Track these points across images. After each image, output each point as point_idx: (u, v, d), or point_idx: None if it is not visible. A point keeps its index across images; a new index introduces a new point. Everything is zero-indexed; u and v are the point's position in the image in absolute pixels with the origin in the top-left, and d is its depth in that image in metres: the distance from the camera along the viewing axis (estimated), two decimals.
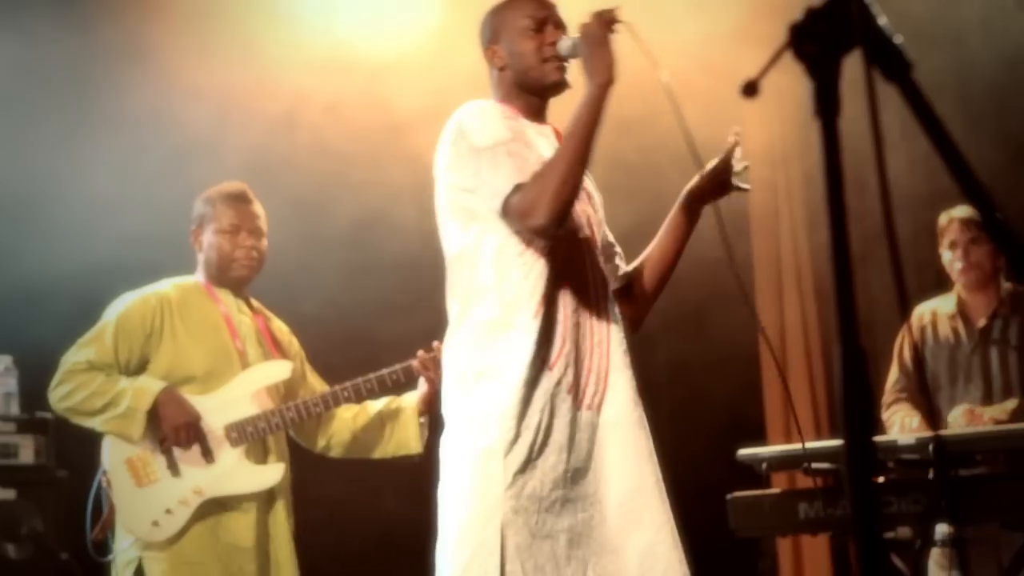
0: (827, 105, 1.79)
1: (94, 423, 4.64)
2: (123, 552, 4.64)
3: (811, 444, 4.89)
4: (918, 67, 1.84)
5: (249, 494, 4.69)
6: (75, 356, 4.64)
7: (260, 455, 4.75)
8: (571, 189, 3.40)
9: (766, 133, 6.71)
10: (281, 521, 4.74)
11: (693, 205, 3.67)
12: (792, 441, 6.39)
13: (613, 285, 3.67)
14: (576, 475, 3.47)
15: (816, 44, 1.77)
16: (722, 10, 5.64)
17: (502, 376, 3.42)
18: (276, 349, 4.88)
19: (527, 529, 3.38)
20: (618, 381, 3.53)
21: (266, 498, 4.73)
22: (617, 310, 3.61)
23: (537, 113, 3.63)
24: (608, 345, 3.53)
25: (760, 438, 6.52)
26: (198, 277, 4.88)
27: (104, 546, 4.71)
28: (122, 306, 4.72)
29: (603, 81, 3.39)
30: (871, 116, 1.79)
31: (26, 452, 5.75)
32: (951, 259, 5.38)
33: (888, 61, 1.81)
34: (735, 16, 5.54)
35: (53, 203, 6.03)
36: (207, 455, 4.66)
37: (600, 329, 3.52)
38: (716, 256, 6.28)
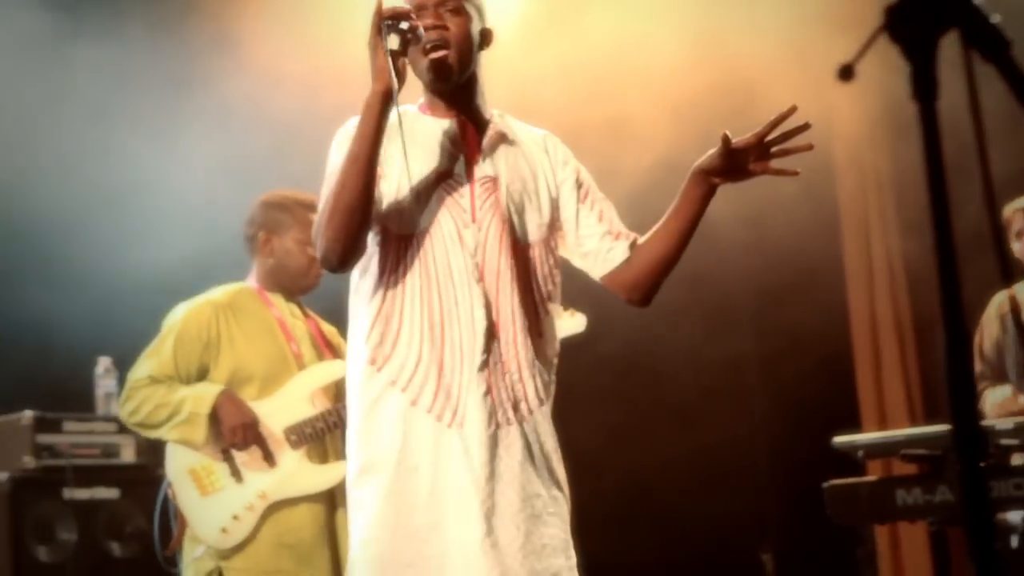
0: (925, 89, 1.75)
1: (160, 434, 4.68)
2: (197, 561, 4.66)
3: (908, 430, 4.83)
4: (1017, 46, 1.81)
5: (312, 495, 4.72)
6: (137, 372, 4.69)
7: (321, 455, 4.77)
8: (342, 220, 3.12)
9: (856, 119, 6.68)
10: (345, 520, 4.74)
11: (704, 181, 3.28)
12: (886, 428, 6.35)
13: (599, 271, 3.39)
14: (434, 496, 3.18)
15: (912, 26, 1.74)
16: None
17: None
18: (329, 350, 4.90)
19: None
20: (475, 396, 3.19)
21: (328, 497, 4.74)
22: (521, 316, 3.25)
23: (445, 106, 3.34)
24: (474, 354, 3.19)
25: (854, 426, 6.40)
26: (250, 282, 4.89)
27: (172, 556, 4.76)
28: (178, 317, 4.75)
29: (374, 88, 3.11)
30: (970, 99, 1.77)
31: (127, 452, 5.85)
32: (1020, 249, 5.35)
33: (986, 41, 1.79)
34: None
35: (148, 201, 6.11)
36: (268, 459, 4.69)
37: (466, 333, 3.20)
38: (800, 243, 6.44)
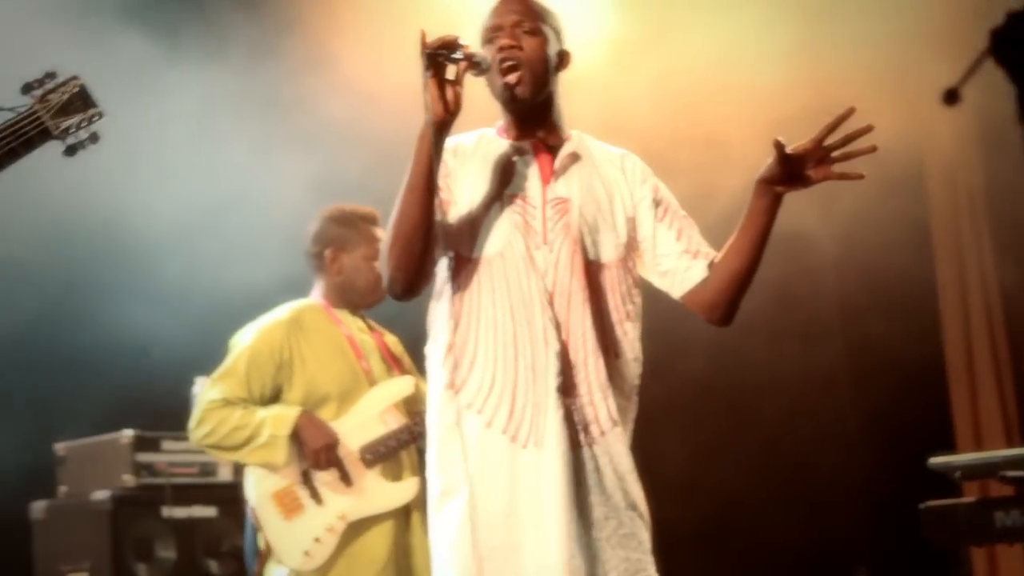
0: None
1: (238, 456, 4.68)
2: None
3: (1006, 451, 4.77)
4: None
5: (387, 512, 4.73)
6: (209, 394, 4.67)
7: (395, 472, 4.78)
8: (403, 248, 3.16)
9: (950, 136, 6.63)
10: (419, 535, 4.72)
11: (767, 192, 3.20)
12: (981, 449, 6.27)
13: (678, 291, 3.35)
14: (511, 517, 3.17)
15: (1019, 49, 1.72)
16: (918, 9, 5.47)
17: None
18: (396, 365, 4.91)
19: None
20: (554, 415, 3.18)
21: (402, 513, 4.75)
22: (593, 338, 3.23)
23: (518, 128, 3.34)
24: (547, 376, 3.18)
25: (947, 447, 6.37)
26: (315, 299, 4.90)
27: None
28: (249, 338, 4.75)
29: (427, 118, 3.10)
30: None
31: (224, 470, 5.91)
32: None
33: None
34: (928, 17, 5.39)
35: (245, 220, 6.17)
36: (345, 479, 4.69)
37: (538, 355, 3.20)
38: (891, 261, 6.38)
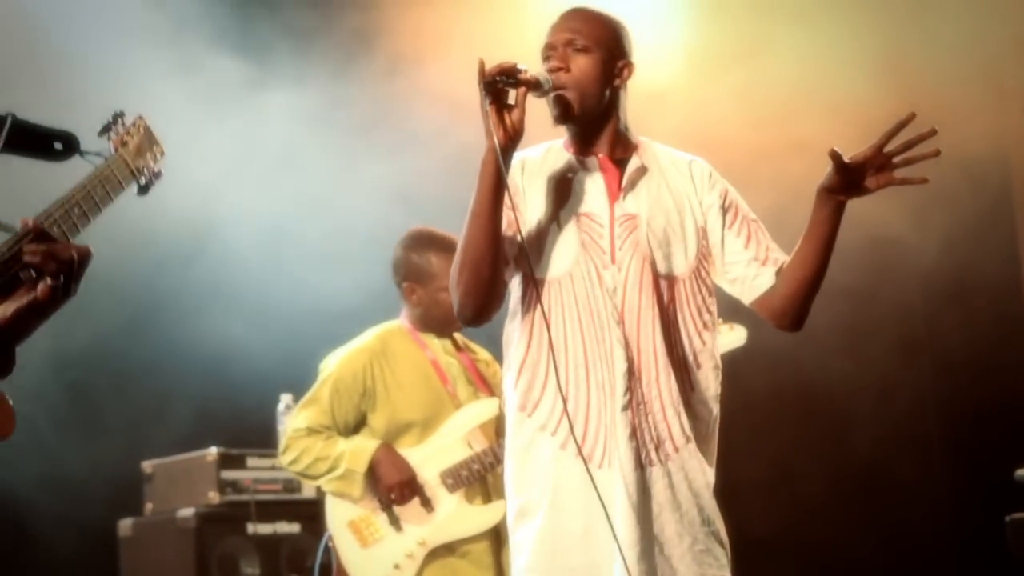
0: None
1: (319, 484, 4.76)
2: None
3: None
4: None
5: (474, 536, 4.73)
6: (295, 422, 4.76)
7: (483, 495, 4.79)
8: (471, 275, 3.17)
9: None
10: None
11: (828, 200, 3.18)
12: None
13: (747, 298, 3.34)
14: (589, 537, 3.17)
15: None
16: (1005, 15, 5.46)
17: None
18: (484, 386, 4.91)
19: None
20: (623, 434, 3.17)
21: (494, 536, 4.75)
22: (665, 353, 3.22)
23: (582, 143, 3.33)
24: (616, 396, 3.18)
25: None
26: (403, 322, 4.92)
27: None
28: (333, 366, 4.78)
29: (489, 145, 3.10)
30: None
31: (308, 487, 5.87)
32: None
33: None
34: (1016, 22, 5.38)
35: (330, 233, 6.22)
36: (426, 505, 4.71)
37: (608, 375, 3.20)
38: (980, 267, 6.30)
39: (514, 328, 3.28)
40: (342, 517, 4.70)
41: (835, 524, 6.96)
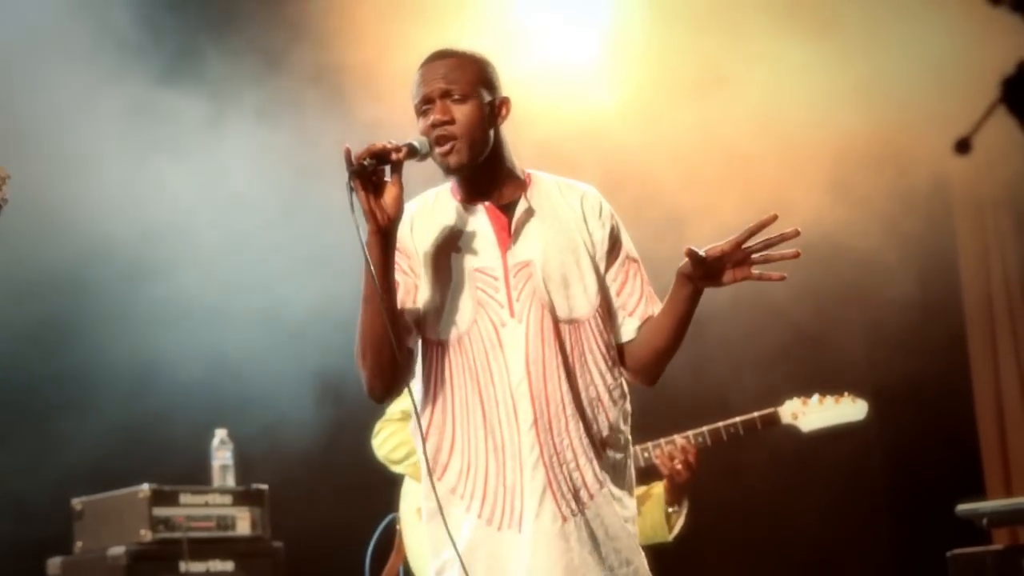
0: None
1: (402, 469, 4.80)
2: None
3: None
4: None
5: None
6: (392, 407, 4.72)
7: None
8: (373, 359, 3.12)
9: (972, 180, 6.64)
10: None
11: (686, 284, 3.19)
12: (1011, 496, 6.19)
13: (621, 339, 3.31)
14: None
15: None
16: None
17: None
18: None
19: None
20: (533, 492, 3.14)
21: None
22: (572, 401, 3.19)
23: (469, 188, 3.28)
24: (523, 453, 3.14)
25: (978, 494, 6.26)
26: None
27: None
28: None
29: (369, 229, 3.06)
30: None
31: (243, 524, 5.84)
32: None
33: None
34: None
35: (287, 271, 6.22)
36: None
37: (510, 435, 3.16)
38: (917, 299, 6.33)
39: (418, 390, 3.25)
40: (412, 502, 4.70)
41: (774, 560, 6.95)
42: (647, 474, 4.65)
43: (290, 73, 6.16)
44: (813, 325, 6.65)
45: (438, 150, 3.16)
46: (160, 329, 6.15)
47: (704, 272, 3.13)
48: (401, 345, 3.14)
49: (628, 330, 3.29)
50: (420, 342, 3.23)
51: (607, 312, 3.27)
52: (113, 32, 5.90)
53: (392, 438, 4.77)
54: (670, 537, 4.69)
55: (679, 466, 4.57)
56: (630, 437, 3.30)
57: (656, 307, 3.30)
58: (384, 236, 3.06)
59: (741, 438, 4.69)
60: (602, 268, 3.29)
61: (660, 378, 3.34)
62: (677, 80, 5.95)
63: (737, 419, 4.70)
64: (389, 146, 3.04)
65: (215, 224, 6.13)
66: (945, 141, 1.67)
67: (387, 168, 3.04)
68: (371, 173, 3.01)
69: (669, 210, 5.62)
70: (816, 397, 4.81)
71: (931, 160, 5.77)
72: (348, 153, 2.99)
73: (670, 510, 4.68)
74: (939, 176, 6.12)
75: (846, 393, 4.82)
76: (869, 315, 6.98)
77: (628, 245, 3.35)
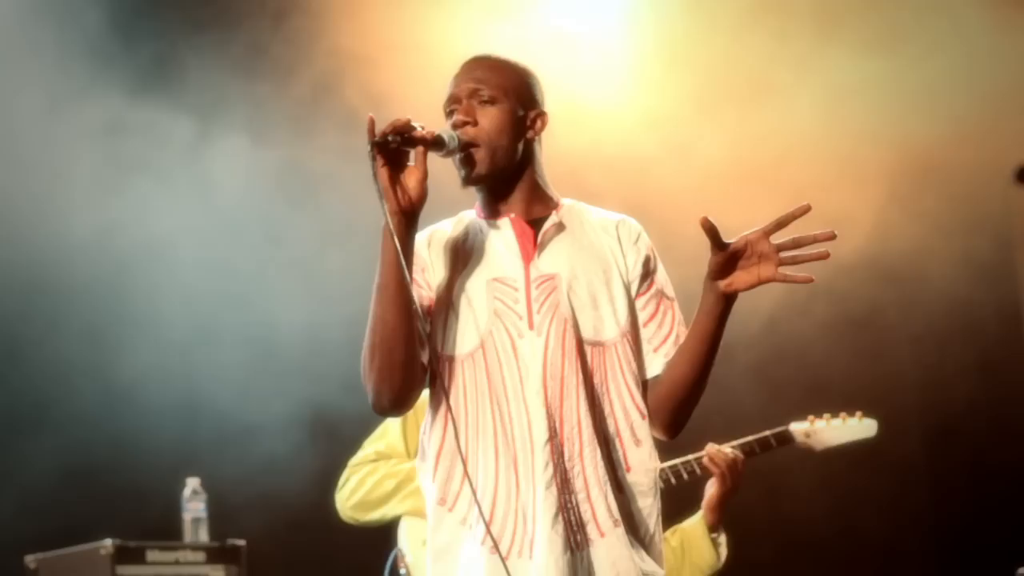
0: None
1: (388, 509, 4.67)
2: None
3: None
4: None
5: None
6: (360, 454, 4.71)
7: None
8: (384, 358, 3.01)
9: None
10: None
11: (712, 289, 3.04)
12: None
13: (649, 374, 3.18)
14: None
15: None
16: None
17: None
18: None
19: None
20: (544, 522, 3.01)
21: None
22: (590, 426, 3.06)
23: (493, 204, 3.17)
24: (537, 474, 3.01)
25: None
26: None
27: None
28: None
29: (388, 210, 2.94)
30: None
31: None
32: None
33: None
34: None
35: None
36: None
37: (523, 455, 3.04)
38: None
39: (428, 414, 3.14)
40: (419, 535, 4.53)
41: None
42: (680, 501, 4.57)
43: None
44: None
45: (457, 154, 3.07)
46: (130, 361, 6.06)
47: (728, 266, 3.00)
48: (414, 349, 3.03)
49: (653, 367, 3.15)
50: (431, 362, 3.10)
51: (637, 343, 3.15)
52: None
53: (372, 475, 4.64)
54: (720, 564, 4.66)
55: (728, 471, 4.61)
56: (658, 492, 3.13)
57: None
58: (406, 218, 2.95)
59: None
60: (633, 292, 3.18)
61: (682, 429, 3.17)
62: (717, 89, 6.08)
63: (751, 437, 4.81)
64: (415, 123, 2.94)
65: (194, 244, 6.17)
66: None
67: (411, 153, 2.95)
68: (394, 151, 2.92)
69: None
70: (826, 416, 4.98)
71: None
72: (372, 123, 2.90)
73: (713, 535, 4.66)
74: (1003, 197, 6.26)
75: (858, 412, 5.02)
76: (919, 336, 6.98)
77: (663, 281, 3.22)
